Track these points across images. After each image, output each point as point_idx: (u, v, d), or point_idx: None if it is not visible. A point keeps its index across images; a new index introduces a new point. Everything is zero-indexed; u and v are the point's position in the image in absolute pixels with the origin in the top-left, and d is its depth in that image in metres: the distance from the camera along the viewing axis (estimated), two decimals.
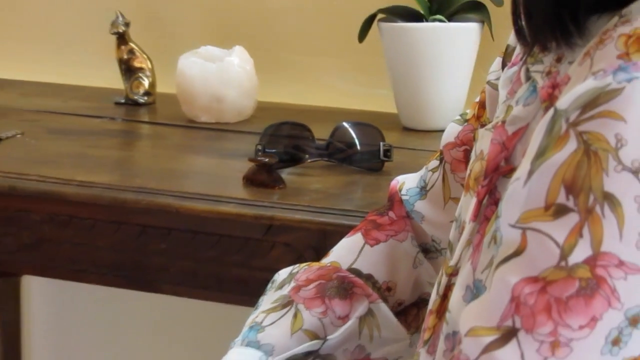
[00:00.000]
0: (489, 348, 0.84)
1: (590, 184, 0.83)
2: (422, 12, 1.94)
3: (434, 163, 1.27)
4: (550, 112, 0.88)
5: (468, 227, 1.04)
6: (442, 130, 1.27)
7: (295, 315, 1.24)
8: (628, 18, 0.87)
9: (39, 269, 2.02)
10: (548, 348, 0.82)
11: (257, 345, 1.22)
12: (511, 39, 1.13)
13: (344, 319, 1.24)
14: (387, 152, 1.74)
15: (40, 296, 2.66)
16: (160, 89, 2.19)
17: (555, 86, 0.95)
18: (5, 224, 1.83)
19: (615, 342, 0.82)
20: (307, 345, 1.23)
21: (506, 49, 1.15)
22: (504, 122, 1.02)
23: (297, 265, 1.30)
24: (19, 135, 1.98)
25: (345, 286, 1.26)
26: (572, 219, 0.83)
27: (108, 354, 2.63)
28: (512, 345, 0.83)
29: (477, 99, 1.24)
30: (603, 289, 0.81)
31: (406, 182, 1.31)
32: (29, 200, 1.80)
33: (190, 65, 2.04)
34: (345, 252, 1.31)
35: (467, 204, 1.06)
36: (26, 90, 2.38)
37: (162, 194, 1.70)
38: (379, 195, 1.50)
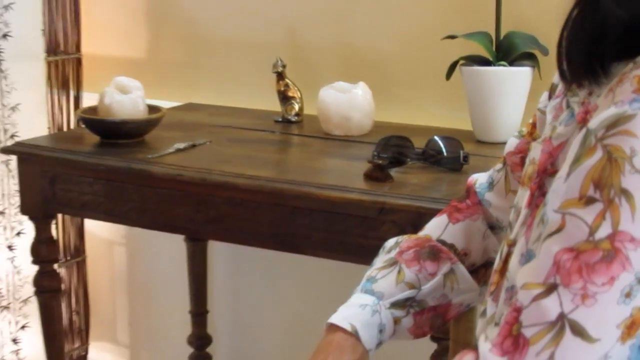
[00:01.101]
0: (536, 298, 0.90)
1: (611, 182, 0.87)
2: (491, 59, 1.95)
3: (499, 165, 1.31)
4: (584, 130, 0.92)
5: (523, 212, 1.07)
6: (505, 143, 1.30)
7: (399, 272, 1.28)
8: (638, 61, 0.92)
9: (220, 236, 2.11)
10: (579, 298, 0.87)
11: (372, 292, 1.27)
12: (555, 78, 1.14)
13: (433, 275, 1.27)
14: (465, 158, 1.77)
15: (221, 255, 2.68)
16: (306, 111, 2.22)
17: (587, 112, 0.98)
18: (197, 205, 1.92)
19: (628, 295, 0.87)
20: (407, 293, 1.27)
21: (551, 86, 1.17)
22: (550, 137, 1.06)
23: (401, 236, 1.34)
24: (207, 143, 2.03)
25: (434, 251, 1.30)
26: (598, 206, 0.88)
27: (268, 296, 2.64)
28: (553, 296, 0.89)
29: (530, 121, 1.26)
30: (619, 257, 0.86)
31: (479, 179, 1.34)
32: (214, 188, 1.87)
33: (328, 95, 2.08)
34: (434, 227, 1.34)
35: (523, 195, 1.09)
36: (213, 111, 2.41)
37: (307, 185, 1.76)
38: (459, 188, 1.52)
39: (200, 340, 2.70)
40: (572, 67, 0.99)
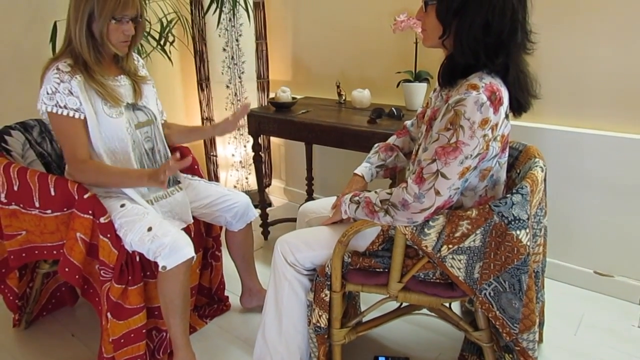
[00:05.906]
0: (429, 164, 1.09)
1: (457, 122, 1.05)
2: (412, 80, 2.32)
3: (414, 118, 1.49)
4: (447, 104, 1.07)
5: (424, 133, 1.21)
6: (417, 110, 1.67)
7: (378, 155, 1.50)
8: (468, 79, 1.09)
9: (317, 141, 2.15)
10: (443, 164, 1.08)
11: (369, 162, 1.49)
12: (436, 85, 1.27)
13: (391, 156, 1.48)
14: (403, 115, 2.17)
15: (317, 149, 2.82)
16: (348, 99, 2.35)
17: (448, 97, 1.13)
18: (307, 131, 2.13)
19: (461, 162, 1.08)
20: (381, 162, 1.48)
21: (434, 89, 1.31)
22: (434, 107, 1.21)
23: (380, 143, 1.54)
24: (311, 110, 2.24)
25: (392, 147, 1.51)
26: (452, 131, 1.06)
27: (335, 163, 2.72)
28: (434, 163, 1.08)
29: (426, 102, 1.37)
30: (459, 149, 1.07)
31: (407, 123, 1.53)
32: (315, 125, 2.11)
33: (356, 93, 2.35)
34: (392, 139, 1.53)
35: (423, 128, 1.24)
36: (313, 100, 2.55)
37: (348, 124, 2.01)
38: (401, 126, 1.72)
39: None
40: (443, 81, 1.15)
